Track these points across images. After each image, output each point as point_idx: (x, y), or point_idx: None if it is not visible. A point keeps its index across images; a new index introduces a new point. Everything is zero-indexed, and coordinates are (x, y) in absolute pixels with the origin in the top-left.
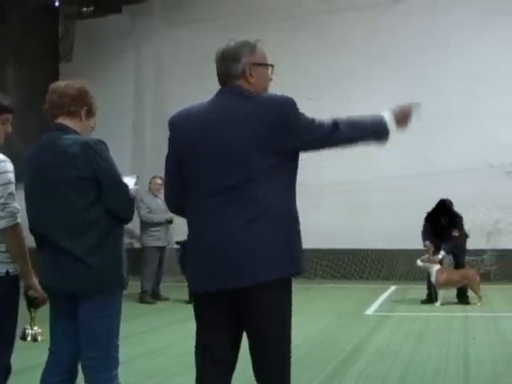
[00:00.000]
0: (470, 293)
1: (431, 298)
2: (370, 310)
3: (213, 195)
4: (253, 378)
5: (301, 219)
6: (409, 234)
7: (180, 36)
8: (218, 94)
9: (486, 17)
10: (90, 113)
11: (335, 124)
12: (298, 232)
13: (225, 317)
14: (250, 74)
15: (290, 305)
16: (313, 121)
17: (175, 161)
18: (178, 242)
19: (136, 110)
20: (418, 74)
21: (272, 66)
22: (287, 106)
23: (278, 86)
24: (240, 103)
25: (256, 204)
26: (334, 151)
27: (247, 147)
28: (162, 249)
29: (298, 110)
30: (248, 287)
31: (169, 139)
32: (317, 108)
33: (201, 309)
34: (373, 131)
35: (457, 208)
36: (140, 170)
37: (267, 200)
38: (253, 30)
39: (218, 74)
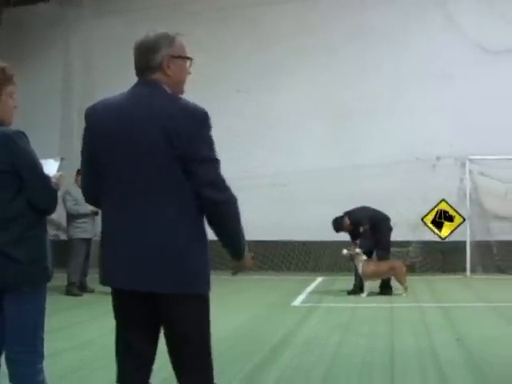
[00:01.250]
0: (395, 283)
1: (357, 289)
2: (297, 301)
3: (125, 188)
4: (168, 377)
5: None
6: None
7: (110, 26)
8: (136, 85)
9: (413, 11)
10: None
11: (229, 189)
12: (207, 246)
13: (142, 315)
14: (168, 66)
15: (209, 312)
16: (215, 158)
17: (91, 152)
18: None
19: (64, 101)
20: (344, 67)
21: (190, 59)
22: (200, 118)
23: (206, 78)
24: (158, 100)
25: (168, 201)
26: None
27: (156, 144)
28: (88, 240)
29: (209, 125)
30: (167, 294)
31: (84, 130)
32: (245, 100)
33: (118, 305)
34: (236, 239)
35: (382, 201)
36: (67, 162)
37: (177, 198)
38: (183, 20)
39: (136, 65)
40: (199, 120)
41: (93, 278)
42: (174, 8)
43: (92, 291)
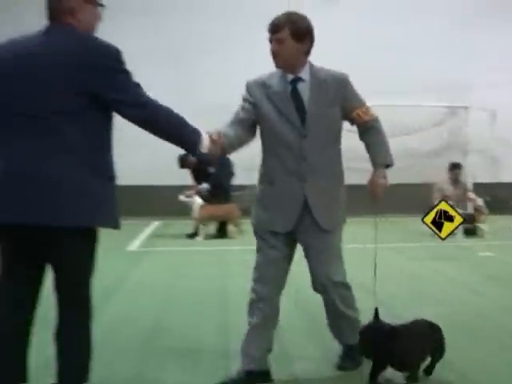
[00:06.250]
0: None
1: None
2: (133, 246)
3: (18, 122)
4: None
5: None
6: (170, 170)
7: None
8: (47, 29)
9: None
10: None
11: (156, 102)
12: (110, 179)
13: (20, 252)
14: (80, 11)
15: (95, 251)
16: (137, 84)
17: None
18: None
19: None
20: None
21: (102, 5)
22: (111, 53)
23: None
24: (64, 40)
25: (61, 138)
26: None
27: (57, 82)
28: None
29: (122, 63)
30: (49, 227)
31: None
32: None
33: None
34: (186, 135)
35: None
36: None
37: (73, 136)
38: None
39: (48, 8)
40: (114, 52)
41: None
42: None
43: None
